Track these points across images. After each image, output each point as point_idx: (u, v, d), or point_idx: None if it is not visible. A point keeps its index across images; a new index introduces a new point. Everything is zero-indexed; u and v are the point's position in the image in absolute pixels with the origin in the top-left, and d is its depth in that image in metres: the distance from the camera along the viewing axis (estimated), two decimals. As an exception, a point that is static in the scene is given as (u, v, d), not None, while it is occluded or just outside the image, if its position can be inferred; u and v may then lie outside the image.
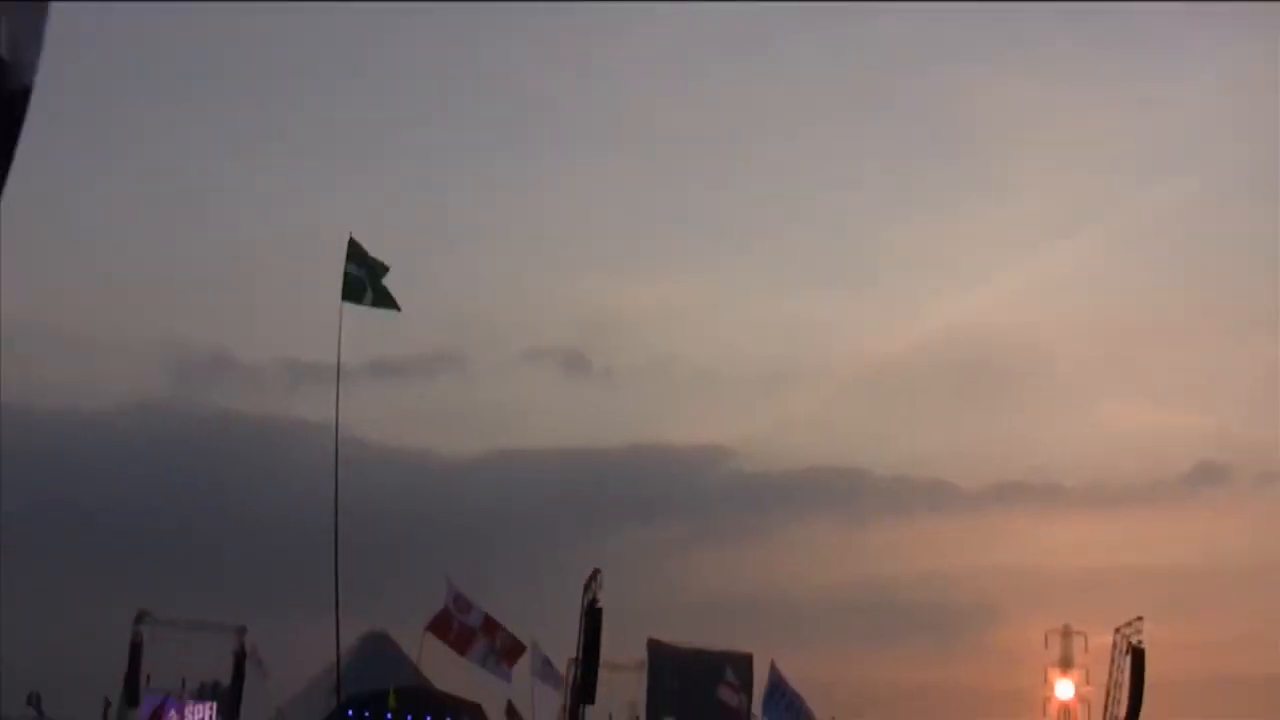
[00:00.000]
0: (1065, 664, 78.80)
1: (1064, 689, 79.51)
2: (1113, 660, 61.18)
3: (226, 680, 63.23)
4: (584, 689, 51.30)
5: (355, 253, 20.10)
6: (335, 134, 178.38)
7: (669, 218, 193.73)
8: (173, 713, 58.94)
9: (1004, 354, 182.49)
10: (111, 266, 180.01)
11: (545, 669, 33.68)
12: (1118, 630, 60.72)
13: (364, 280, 20.10)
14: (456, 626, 22.96)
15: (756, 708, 39.55)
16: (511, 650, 22.80)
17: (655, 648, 58.86)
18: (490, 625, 22.98)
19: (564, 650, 50.55)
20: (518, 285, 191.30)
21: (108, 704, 56.10)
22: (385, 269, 20.43)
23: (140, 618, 60.85)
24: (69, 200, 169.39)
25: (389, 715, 55.64)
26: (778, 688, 29.63)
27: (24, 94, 5.47)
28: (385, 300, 20.58)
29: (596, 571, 53.32)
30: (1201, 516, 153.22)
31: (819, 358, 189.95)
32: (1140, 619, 59.21)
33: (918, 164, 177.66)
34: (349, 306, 20.46)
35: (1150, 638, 58.54)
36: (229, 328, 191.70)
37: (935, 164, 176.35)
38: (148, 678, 60.54)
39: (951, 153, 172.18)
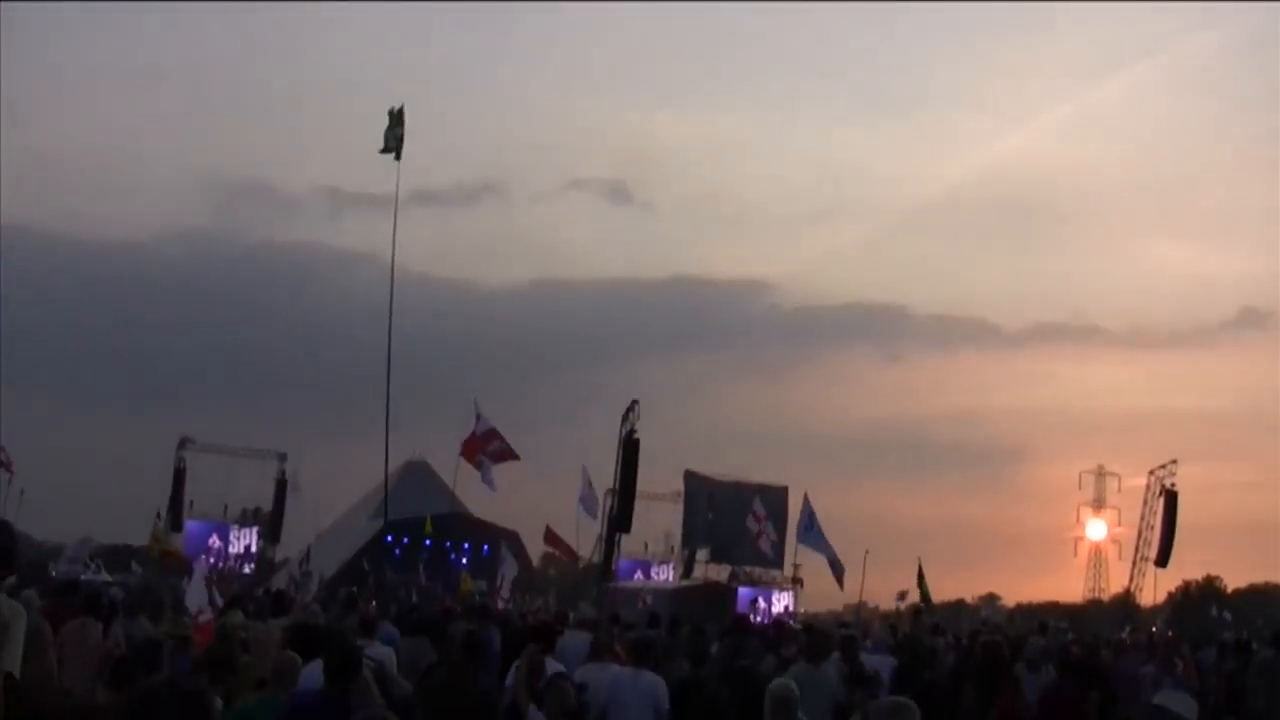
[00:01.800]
0: (1098, 505, 79.39)
1: (1096, 529, 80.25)
2: (1145, 502, 61.45)
3: (268, 506, 64.25)
4: (620, 519, 51.88)
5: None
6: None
7: (714, 50, 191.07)
8: (215, 537, 59.99)
9: (1049, 193, 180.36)
10: (152, 96, 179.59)
11: (587, 492, 33.76)
12: (1151, 472, 60.82)
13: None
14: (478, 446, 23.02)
15: (789, 538, 39.86)
16: (502, 454, 22.73)
17: (692, 479, 59.36)
18: (490, 435, 22.95)
19: (601, 481, 51.01)
20: (561, 115, 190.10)
21: (158, 516, 57.02)
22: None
23: (183, 444, 61.68)
24: (111, 28, 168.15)
25: (427, 541, 56.50)
26: (812, 518, 29.68)
27: None
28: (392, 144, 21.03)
29: (634, 403, 53.55)
30: (1241, 361, 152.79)
31: (862, 193, 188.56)
32: (1174, 462, 59.25)
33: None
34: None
35: (1184, 480, 58.66)
36: (269, 157, 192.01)
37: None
38: (191, 503, 61.54)
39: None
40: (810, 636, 14.66)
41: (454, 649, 10.03)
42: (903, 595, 48.30)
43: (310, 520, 61.16)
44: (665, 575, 64.76)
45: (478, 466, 23.99)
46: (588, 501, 33.85)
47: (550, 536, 38.14)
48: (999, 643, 15.91)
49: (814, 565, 46.59)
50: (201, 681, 9.10)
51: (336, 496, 65.33)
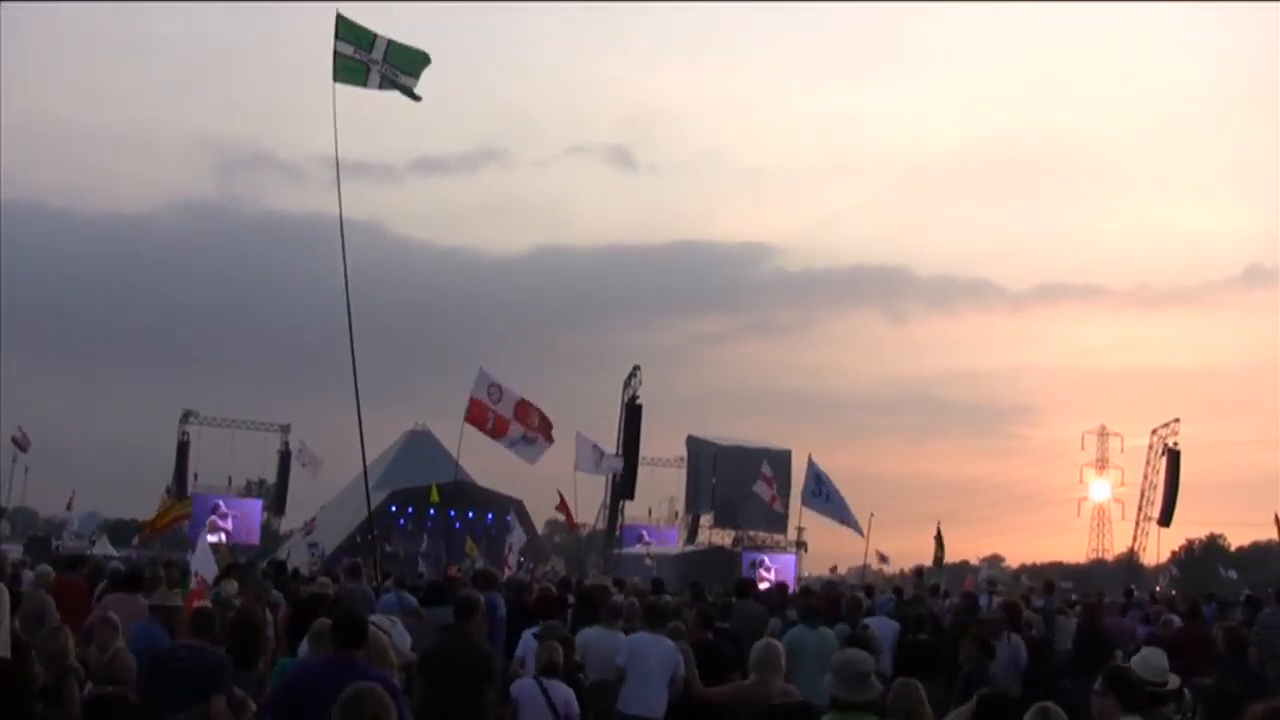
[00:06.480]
0: (1101, 465, 79.51)
1: (1099, 490, 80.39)
2: (1148, 461, 61.55)
3: (272, 478, 64.41)
4: (623, 484, 51.97)
5: (347, 31, 17.69)
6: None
7: (713, 12, 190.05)
8: (221, 504, 60.07)
9: (1053, 150, 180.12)
10: (152, 65, 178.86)
11: (594, 456, 33.55)
12: (1154, 432, 60.88)
13: (363, 62, 17.81)
14: (493, 416, 22.69)
15: (792, 502, 39.83)
16: (544, 426, 22.40)
17: (695, 444, 59.40)
18: (524, 409, 22.65)
19: (604, 446, 51.05)
20: (561, 81, 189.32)
21: (167, 491, 57.20)
22: (423, 57, 18.59)
23: (186, 417, 61.77)
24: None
25: (431, 510, 56.60)
26: (818, 480, 29.51)
27: None
28: (404, 87, 18.28)
29: (636, 369, 53.61)
30: (1247, 319, 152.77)
31: (865, 153, 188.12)
32: (1177, 420, 59.27)
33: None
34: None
35: (1187, 439, 58.69)
36: (269, 126, 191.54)
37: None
38: (195, 476, 61.66)
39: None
40: (807, 600, 14.77)
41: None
42: (883, 558, 48.92)
43: (314, 492, 61.43)
44: (668, 538, 64.78)
45: (508, 441, 23.69)
46: (597, 465, 33.67)
47: (564, 504, 38.06)
48: (1016, 602, 16.03)
49: (817, 529, 46.67)
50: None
51: (339, 468, 65.46)
